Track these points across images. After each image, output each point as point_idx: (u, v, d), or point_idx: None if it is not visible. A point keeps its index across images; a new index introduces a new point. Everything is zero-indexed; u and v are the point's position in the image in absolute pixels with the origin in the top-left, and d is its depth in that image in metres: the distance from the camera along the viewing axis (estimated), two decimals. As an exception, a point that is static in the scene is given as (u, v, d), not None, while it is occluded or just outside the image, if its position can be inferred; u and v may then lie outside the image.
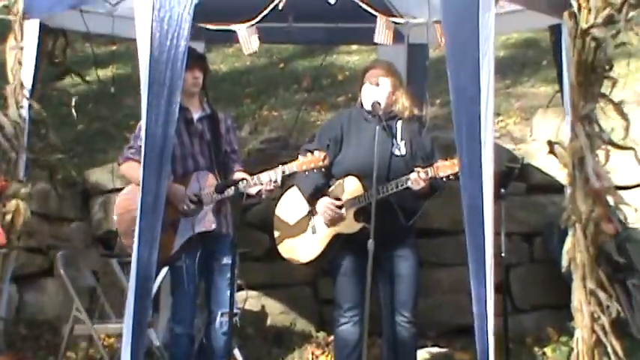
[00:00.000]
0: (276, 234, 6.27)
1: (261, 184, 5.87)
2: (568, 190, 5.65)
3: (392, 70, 6.20)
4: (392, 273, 6.01)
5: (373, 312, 5.75)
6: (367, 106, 6.06)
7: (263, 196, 6.01)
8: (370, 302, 5.63)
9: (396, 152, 6.01)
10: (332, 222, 6.03)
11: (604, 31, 5.49)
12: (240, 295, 6.88)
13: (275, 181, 5.86)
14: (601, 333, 5.48)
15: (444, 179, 5.82)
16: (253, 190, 5.95)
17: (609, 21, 5.51)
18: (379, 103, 5.98)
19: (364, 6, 5.62)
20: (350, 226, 5.99)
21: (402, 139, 6.03)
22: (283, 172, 5.87)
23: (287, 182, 6.16)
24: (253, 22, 5.58)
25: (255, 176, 5.93)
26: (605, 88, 5.67)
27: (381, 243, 5.62)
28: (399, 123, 6.05)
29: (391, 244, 5.95)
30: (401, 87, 6.17)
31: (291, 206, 6.23)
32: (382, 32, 5.75)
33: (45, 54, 6.54)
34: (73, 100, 6.78)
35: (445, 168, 5.78)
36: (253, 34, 5.69)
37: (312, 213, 6.12)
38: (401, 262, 6.02)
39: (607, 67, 5.62)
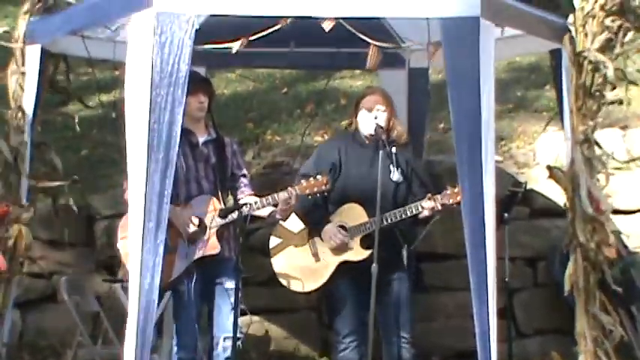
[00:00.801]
0: (275, 262, 6.25)
1: (272, 204, 5.90)
2: (568, 215, 5.66)
3: (387, 96, 6.23)
4: (389, 296, 6.04)
5: (373, 336, 5.76)
6: (366, 132, 6.07)
7: (278, 216, 6.02)
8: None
9: (394, 178, 6.03)
10: (338, 250, 6.03)
11: (601, 55, 5.52)
12: (243, 320, 6.87)
13: (289, 200, 5.87)
14: (604, 358, 5.48)
15: (455, 205, 5.83)
16: (265, 212, 5.97)
17: (606, 45, 5.54)
18: (382, 128, 6.00)
19: (358, 33, 5.62)
20: (357, 253, 5.99)
21: (398, 166, 6.05)
22: (287, 197, 5.87)
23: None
24: (252, 38, 5.59)
25: (258, 199, 5.95)
26: (609, 112, 5.70)
27: (381, 268, 5.63)
28: (394, 149, 6.07)
29: (388, 269, 5.96)
30: (394, 112, 6.19)
31: (289, 233, 6.22)
32: (371, 59, 5.77)
33: (46, 79, 6.56)
34: (77, 125, 6.78)
35: (455, 195, 5.80)
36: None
37: (314, 240, 6.11)
38: (397, 284, 6.06)
39: (608, 91, 5.64)
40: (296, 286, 6.21)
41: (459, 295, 7.30)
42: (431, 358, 7.28)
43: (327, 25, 5.35)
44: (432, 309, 7.24)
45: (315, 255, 6.09)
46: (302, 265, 6.14)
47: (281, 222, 6.25)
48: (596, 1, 5.58)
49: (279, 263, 6.23)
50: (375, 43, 5.77)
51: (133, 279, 5.25)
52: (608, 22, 5.56)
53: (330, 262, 6.04)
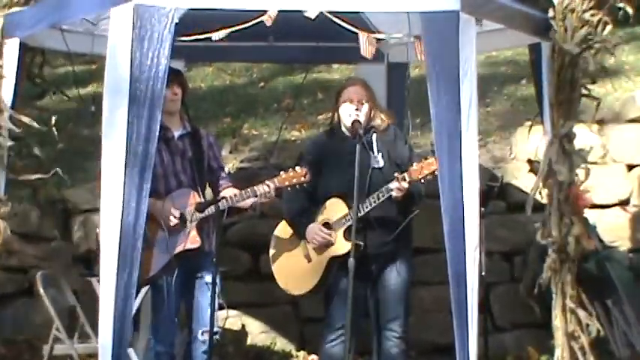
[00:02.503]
0: (274, 266, 6.24)
1: (253, 196, 5.88)
2: (548, 209, 5.69)
3: (367, 86, 6.22)
4: (380, 289, 6.02)
5: (363, 329, 5.77)
6: (347, 123, 6.07)
7: (257, 209, 6.02)
8: (362, 321, 5.64)
9: (375, 165, 6.01)
10: (320, 248, 6.03)
11: (580, 50, 5.54)
12: (220, 314, 6.87)
13: (269, 193, 5.85)
14: (579, 352, 5.51)
15: (422, 180, 5.82)
16: (247, 203, 5.98)
17: (586, 40, 5.56)
18: (359, 122, 5.98)
19: (345, 25, 5.62)
20: (341, 246, 5.98)
21: (378, 152, 6.04)
22: (266, 189, 5.87)
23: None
24: (233, 29, 5.57)
25: (237, 193, 5.95)
26: (587, 107, 5.72)
27: (370, 259, 5.64)
28: (374, 136, 6.06)
29: (380, 260, 5.96)
30: (375, 101, 6.20)
31: (283, 241, 6.21)
32: (366, 47, 5.77)
33: (24, 73, 6.52)
34: (53, 118, 6.75)
35: (421, 169, 5.80)
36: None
37: (305, 242, 6.10)
38: (390, 277, 6.02)
39: (587, 86, 5.67)
40: (297, 291, 6.21)
41: (436, 289, 7.34)
42: (408, 353, 7.27)
43: (312, 14, 5.35)
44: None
45: (307, 256, 6.08)
46: (296, 269, 6.12)
47: (275, 232, 6.26)
48: None
49: (278, 271, 6.23)
50: (363, 33, 5.76)
51: (106, 273, 5.23)
52: (587, 16, 5.57)
53: (320, 261, 6.04)
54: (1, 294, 7.39)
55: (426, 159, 5.79)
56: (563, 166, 5.59)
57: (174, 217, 5.93)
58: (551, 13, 5.65)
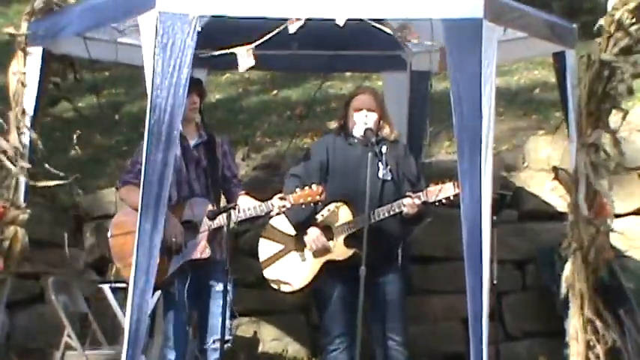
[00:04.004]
0: (263, 261, 6.24)
1: (257, 214, 5.95)
2: (570, 218, 5.66)
3: (377, 96, 6.25)
4: (380, 298, 6.03)
5: (363, 338, 5.76)
6: (357, 133, 6.07)
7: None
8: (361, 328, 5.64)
9: (383, 176, 6.02)
10: (318, 254, 6.03)
11: (621, 61, 5.50)
12: (232, 322, 6.88)
13: (267, 215, 5.93)
14: (595, 361, 5.50)
15: (436, 204, 5.84)
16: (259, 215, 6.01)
17: (627, 51, 5.52)
18: (372, 130, 6.00)
19: (378, 25, 5.61)
20: (341, 252, 5.99)
21: (387, 164, 6.04)
22: (280, 208, 5.91)
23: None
24: (256, 43, 5.56)
25: (252, 207, 5.98)
26: (612, 117, 5.69)
27: (369, 269, 5.64)
28: (384, 147, 6.07)
29: (378, 270, 5.96)
30: (384, 111, 6.20)
31: (277, 233, 6.22)
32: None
33: (48, 81, 6.56)
34: (77, 132, 6.78)
35: (437, 192, 5.81)
36: (250, 55, 5.65)
37: (300, 240, 6.11)
38: (388, 287, 6.05)
39: (622, 97, 5.63)
40: (284, 287, 6.21)
41: (447, 297, 7.33)
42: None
43: (340, 21, 5.34)
44: (419, 312, 7.23)
45: (302, 255, 6.09)
46: (289, 266, 6.14)
47: (270, 223, 6.25)
48: (624, 5, 5.54)
49: (268, 266, 6.22)
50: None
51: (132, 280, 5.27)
52: (632, 29, 5.53)
53: (315, 262, 6.04)
54: (13, 301, 7.36)
55: (443, 182, 5.80)
56: (590, 174, 5.57)
57: (175, 245, 5.93)
58: (601, 22, 5.60)
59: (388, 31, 5.64)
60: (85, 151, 9.21)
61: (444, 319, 7.50)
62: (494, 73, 5.29)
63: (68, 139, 8.40)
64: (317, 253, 6.04)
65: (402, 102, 7.56)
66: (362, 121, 6.05)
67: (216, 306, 5.98)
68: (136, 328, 5.20)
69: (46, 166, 6.55)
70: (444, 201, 5.85)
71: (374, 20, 5.57)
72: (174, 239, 5.94)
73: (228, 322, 5.88)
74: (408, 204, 5.85)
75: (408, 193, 5.89)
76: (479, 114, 5.18)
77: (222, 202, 6.29)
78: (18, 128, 6.38)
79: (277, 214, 5.97)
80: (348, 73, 10.65)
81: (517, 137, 8.90)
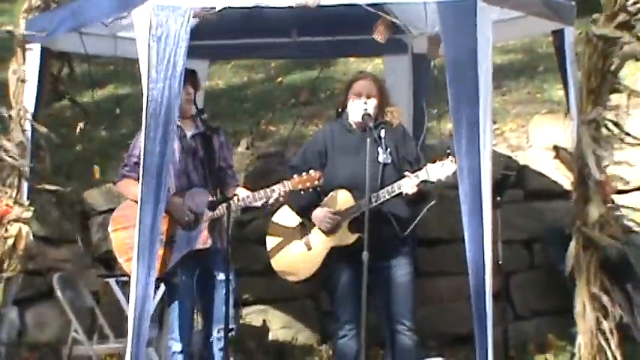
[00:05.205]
0: (270, 253, 6.26)
1: (265, 198, 5.94)
2: (573, 195, 5.65)
3: (377, 80, 6.24)
4: (388, 283, 6.01)
5: (373, 322, 5.76)
6: (355, 118, 6.07)
7: (267, 209, 6.07)
8: (369, 313, 5.64)
9: (383, 160, 6.01)
10: (330, 231, 6.03)
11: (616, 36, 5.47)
12: (237, 311, 6.91)
13: (283, 195, 5.92)
14: (602, 338, 5.48)
15: (436, 181, 5.83)
16: (258, 203, 6.01)
17: (624, 26, 5.49)
18: (369, 115, 5.99)
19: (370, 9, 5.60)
20: (345, 238, 5.99)
21: (387, 147, 6.04)
22: (279, 193, 5.90)
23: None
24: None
25: (250, 195, 5.97)
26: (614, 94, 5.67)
27: (375, 253, 5.64)
28: (383, 131, 6.06)
29: (386, 254, 5.95)
30: (385, 96, 6.19)
31: (283, 224, 6.23)
32: (381, 31, 5.73)
33: (47, 78, 6.57)
34: (80, 124, 6.80)
35: (437, 170, 5.80)
36: None
37: (305, 229, 6.12)
38: (396, 271, 6.02)
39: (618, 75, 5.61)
40: (292, 277, 6.24)
41: (453, 279, 7.33)
42: (428, 344, 7.27)
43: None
44: (426, 294, 7.22)
45: (307, 244, 6.10)
46: (295, 256, 6.16)
47: (274, 218, 6.27)
48: None
49: (275, 258, 6.25)
50: (384, 16, 5.74)
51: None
52: (628, 5, 5.50)
53: (321, 249, 6.06)
54: (22, 297, 7.41)
55: (440, 160, 5.78)
56: (590, 151, 5.55)
57: (189, 216, 5.96)
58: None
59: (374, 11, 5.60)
60: (90, 146, 9.25)
61: (451, 300, 7.49)
62: (490, 54, 5.28)
63: (72, 134, 8.41)
64: (329, 231, 6.03)
65: (404, 85, 7.55)
66: (361, 107, 6.04)
67: (219, 295, 6.01)
68: (139, 321, 5.23)
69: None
70: (443, 178, 5.82)
71: (370, 5, 5.56)
72: (186, 218, 5.98)
73: (231, 310, 5.90)
74: (407, 184, 5.84)
75: (406, 173, 5.88)
76: (476, 95, 5.17)
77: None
78: (19, 126, 6.40)
79: (276, 199, 5.96)
80: (351, 58, 10.64)
81: (521, 117, 8.89)
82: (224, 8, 5.56)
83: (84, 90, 9.01)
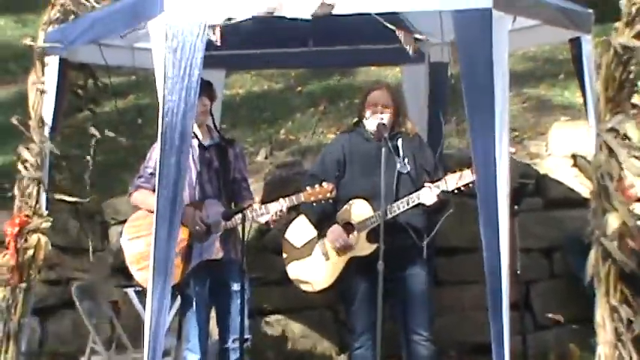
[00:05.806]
0: (287, 262, 6.28)
1: (268, 213, 5.93)
2: (592, 204, 5.61)
3: (393, 90, 6.24)
4: (404, 293, 6.01)
5: (390, 333, 5.75)
6: (370, 128, 6.07)
7: (271, 225, 6.07)
8: (386, 324, 5.63)
9: (401, 170, 6.01)
10: (341, 252, 6.03)
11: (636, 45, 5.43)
12: (259, 320, 6.91)
13: (281, 212, 5.94)
14: (623, 349, 5.44)
15: (455, 191, 5.82)
16: (262, 220, 5.99)
17: None
18: (384, 125, 6.00)
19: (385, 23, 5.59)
20: (363, 248, 5.99)
21: (404, 157, 6.03)
22: (290, 204, 5.93)
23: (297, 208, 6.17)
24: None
25: (263, 205, 5.99)
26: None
27: (392, 263, 5.64)
28: (400, 140, 6.06)
29: (402, 264, 5.95)
30: (402, 106, 6.18)
31: (300, 233, 6.25)
32: (407, 42, 5.73)
33: (66, 89, 6.60)
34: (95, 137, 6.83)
35: (455, 180, 5.79)
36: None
37: (322, 239, 6.12)
38: (413, 281, 6.02)
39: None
40: (310, 288, 6.24)
41: (472, 288, 7.30)
42: (448, 353, 7.25)
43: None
44: (445, 303, 7.21)
45: (325, 254, 6.10)
46: (313, 266, 6.16)
47: (291, 227, 6.31)
48: None
49: (293, 269, 6.27)
50: (400, 31, 5.73)
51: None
52: None
53: (339, 260, 6.05)
54: (43, 307, 7.44)
55: (461, 170, 5.78)
56: (609, 160, 5.51)
57: (200, 227, 5.97)
58: (622, 6, 5.54)
59: (389, 25, 5.59)
60: (111, 156, 9.27)
61: (471, 309, 7.46)
62: (506, 63, 5.26)
63: (95, 143, 8.44)
64: (340, 251, 6.03)
65: (421, 94, 7.54)
66: (377, 116, 6.05)
67: (234, 305, 6.02)
68: (155, 331, 5.23)
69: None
70: (462, 189, 5.82)
71: (382, 15, 5.54)
72: (197, 227, 5.98)
73: (247, 320, 5.91)
74: (426, 194, 5.84)
75: (426, 184, 5.88)
76: (492, 105, 5.15)
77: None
78: (38, 138, 6.44)
79: (280, 213, 5.97)
80: (372, 67, 10.63)
81: (541, 125, 8.85)
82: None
83: (106, 100, 9.04)
